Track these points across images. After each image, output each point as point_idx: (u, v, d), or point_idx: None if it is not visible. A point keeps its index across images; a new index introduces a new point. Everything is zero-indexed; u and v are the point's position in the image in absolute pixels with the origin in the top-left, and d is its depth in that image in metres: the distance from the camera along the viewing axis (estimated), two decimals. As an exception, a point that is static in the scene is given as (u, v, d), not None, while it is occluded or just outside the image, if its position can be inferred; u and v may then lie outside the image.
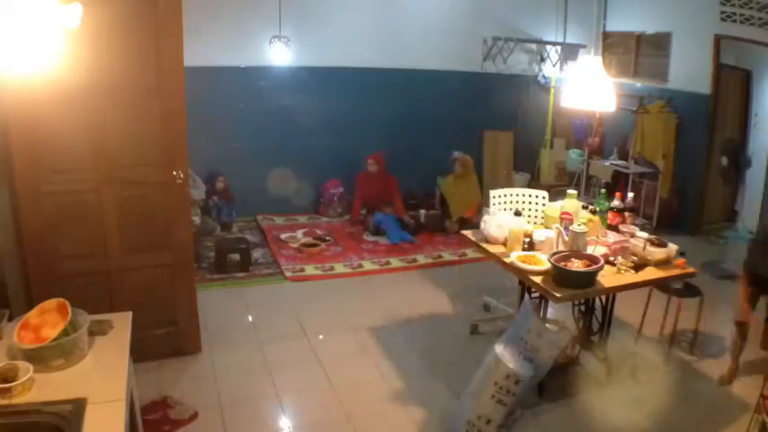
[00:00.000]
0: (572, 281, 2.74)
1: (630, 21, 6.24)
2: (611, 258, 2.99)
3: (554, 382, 3.11)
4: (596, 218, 3.25)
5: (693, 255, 4.43)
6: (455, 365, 3.38)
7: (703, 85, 5.53)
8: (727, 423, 2.95)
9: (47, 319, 1.91)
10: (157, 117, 2.96)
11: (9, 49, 1.30)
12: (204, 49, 4.95)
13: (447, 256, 5.19)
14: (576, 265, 2.76)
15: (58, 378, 1.80)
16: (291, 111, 5.79)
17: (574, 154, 6.81)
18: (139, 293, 3.05)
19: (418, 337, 3.76)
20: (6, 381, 1.69)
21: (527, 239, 3.15)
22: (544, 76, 6.91)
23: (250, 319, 3.96)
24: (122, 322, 2.15)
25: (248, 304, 4.15)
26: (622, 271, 2.94)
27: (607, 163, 6.12)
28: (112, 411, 1.66)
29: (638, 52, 6.18)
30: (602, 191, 3.56)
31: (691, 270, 3.07)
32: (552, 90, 6.83)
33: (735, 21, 5.18)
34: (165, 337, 3.24)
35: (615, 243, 3.05)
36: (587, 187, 6.48)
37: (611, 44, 6.45)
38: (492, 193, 3.90)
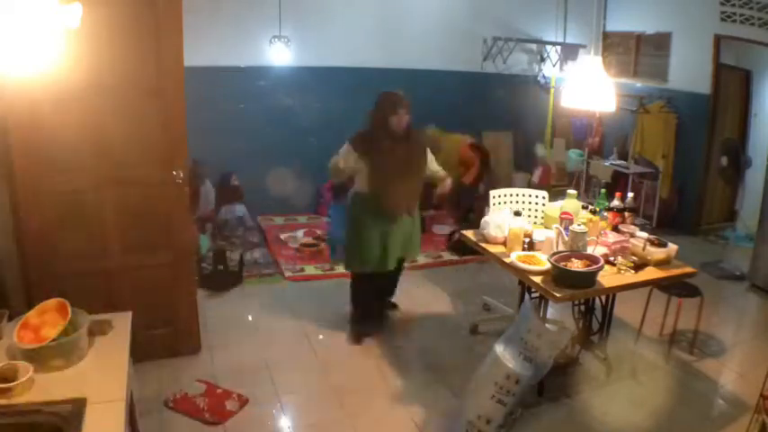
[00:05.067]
0: (572, 281, 2.74)
1: (630, 21, 6.24)
2: (611, 258, 2.99)
3: (554, 382, 3.11)
4: (596, 218, 3.25)
5: (693, 255, 4.45)
6: (455, 365, 3.38)
7: (703, 85, 5.53)
8: (727, 423, 2.96)
9: (47, 319, 1.91)
10: (157, 117, 2.96)
11: (9, 49, 1.30)
12: (204, 49, 4.95)
13: (447, 255, 5.19)
14: (576, 265, 2.76)
15: (58, 378, 1.80)
16: (291, 111, 5.79)
17: (574, 154, 6.81)
18: (139, 293, 3.05)
19: (418, 336, 3.76)
20: (6, 381, 1.69)
21: (527, 239, 3.15)
22: (544, 76, 6.91)
23: (250, 318, 3.96)
24: (122, 322, 2.15)
25: (248, 304, 4.15)
26: (622, 271, 2.94)
27: (607, 163, 6.12)
28: (112, 411, 1.66)
29: (638, 52, 6.18)
30: (603, 191, 3.57)
31: (691, 270, 3.07)
32: (552, 90, 6.83)
33: (735, 21, 5.18)
34: (165, 337, 3.24)
35: (615, 243, 3.05)
36: (587, 187, 6.48)
37: (611, 44, 6.45)
38: (492, 193, 3.90)
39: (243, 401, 2.97)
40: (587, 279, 2.77)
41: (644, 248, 3.04)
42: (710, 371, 3.43)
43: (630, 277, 2.92)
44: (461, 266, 4.98)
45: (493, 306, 4.09)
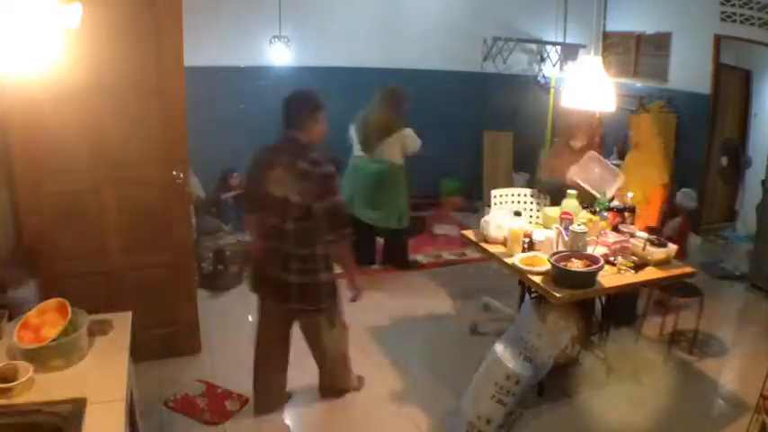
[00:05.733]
0: (572, 281, 2.74)
1: (630, 21, 6.24)
2: (611, 258, 2.99)
3: (554, 382, 3.11)
4: (596, 218, 3.25)
5: (693, 255, 4.45)
6: (455, 365, 3.38)
7: (703, 85, 5.53)
8: (727, 423, 2.96)
9: (47, 319, 1.91)
10: (157, 117, 2.96)
11: (9, 49, 1.30)
12: (204, 49, 4.95)
13: (447, 255, 5.19)
14: (576, 265, 2.76)
15: (58, 378, 1.80)
16: (291, 111, 5.78)
17: (574, 154, 6.80)
18: (139, 293, 3.05)
19: (418, 337, 3.76)
20: (6, 381, 1.69)
21: (527, 239, 3.15)
22: (544, 76, 6.91)
23: (250, 319, 3.95)
24: (122, 322, 2.15)
25: (248, 304, 4.14)
26: (622, 271, 2.94)
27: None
28: (112, 411, 1.66)
29: (638, 52, 6.17)
30: (602, 191, 3.57)
31: (691, 270, 3.07)
32: (552, 90, 6.83)
33: (735, 21, 5.18)
34: (165, 337, 3.24)
35: (615, 243, 3.05)
36: (587, 187, 6.47)
37: (611, 44, 6.45)
38: (492, 192, 3.90)
39: (243, 402, 2.97)
40: (587, 279, 2.77)
41: (644, 248, 3.04)
42: (710, 371, 3.43)
43: (630, 277, 2.92)
44: (462, 266, 4.98)
45: (493, 306, 4.09)
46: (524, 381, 2.67)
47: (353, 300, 2.81)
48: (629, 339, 3.70)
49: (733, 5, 5.15)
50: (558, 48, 6.61)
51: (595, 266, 2.73)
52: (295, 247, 2.59)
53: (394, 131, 4.51)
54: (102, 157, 2.89)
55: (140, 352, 2.36)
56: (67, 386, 1.75)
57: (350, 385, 3.11)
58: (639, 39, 6.13)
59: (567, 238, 2.98)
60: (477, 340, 3.69)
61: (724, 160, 5.59)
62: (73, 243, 2.92)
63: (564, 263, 2.76)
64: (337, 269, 2.77)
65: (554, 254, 2.84)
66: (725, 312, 4.25)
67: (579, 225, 3.02)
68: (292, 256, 2.59)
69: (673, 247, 3.09)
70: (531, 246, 3.13)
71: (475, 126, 6.67)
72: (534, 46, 6.79)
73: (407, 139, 4.53)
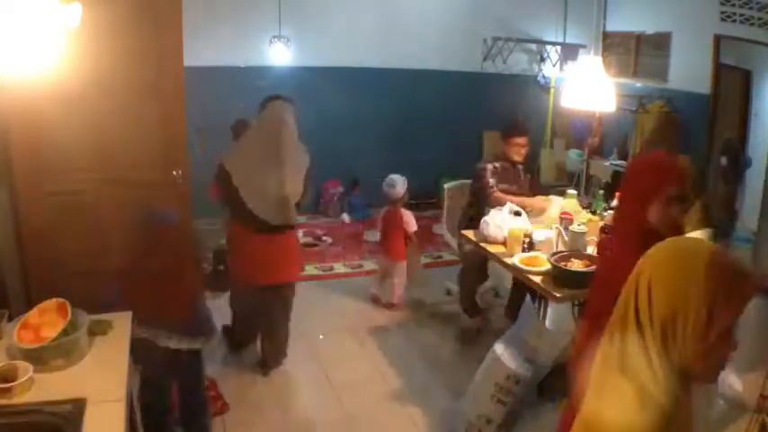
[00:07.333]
0: (572, 281, 2.73)
1: (630, 21, 6.24)
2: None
3: (554, 382, 3.10)
4: (596, 218, 3.25)
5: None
6: (455, 365, 3.38)
7: (703, 85, 5.53)
8: (727, 423, 2.95)
9: (46, 320, 1.91)
10: (157, 117, 2.96)
11: (9, 50, 1.30)
12: (204, 49, 4.95)
13: (447, 256, 5.19)
14: (576, 265, 2.76)
15: (58, 378, 1.80)
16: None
17: (574, 154, 6.81)
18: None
19: (418, 336, 3.76)
20: (6, 381, 1.69)
21: (527, 239, 3.14)
22: (544, 76, 6.91)
23: (250, 319, 3.96)
24: (122, 322, 2.15)
25: (248, 304, 4.14)
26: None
27: (607, 163, 6.12)
28: (112, 411, 1.66)
29: (638, 52, 6.18)
30: (600, 192, 3.56)
31: (691, 270, 3.06)
32: (552, 90, 6.83)
33: (735, 21, 5.18)
34: (165, 338, 3.23)
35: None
36: (587, 187, 6.47)
37: (611, 44, 6.45)
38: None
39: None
40: (587, 279, 2.76)
41: (644, 248, 3.04)
42: (710, 371, 3.42)
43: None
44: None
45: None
46: (524, 381, 2.67)
47: None
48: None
49: (733, 5, 5.15)
50: (558, 48, 6.62)
51: (595, 266, 2.73)
52: None
53: None
54: (102, 157, 2.89)
55: (140, 352, 2.35)
56: (67, 386, 1.75)
57: None
58: (639, 39, 6.13)
59: (566, 238, 2.98)
60: (478, 340, 3.70)
61: (724, 160, 5.58)
62: (73, 243, 2.92)
63: (564, 263, 2.76)
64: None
65: (554, 254, 2.84)
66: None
67: (579, 225, 3.02)
68: None
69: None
70: (530, 246, 3.12)
71: (475, 126, 6.67)
72: (534, 46, 6.79)
73: None
